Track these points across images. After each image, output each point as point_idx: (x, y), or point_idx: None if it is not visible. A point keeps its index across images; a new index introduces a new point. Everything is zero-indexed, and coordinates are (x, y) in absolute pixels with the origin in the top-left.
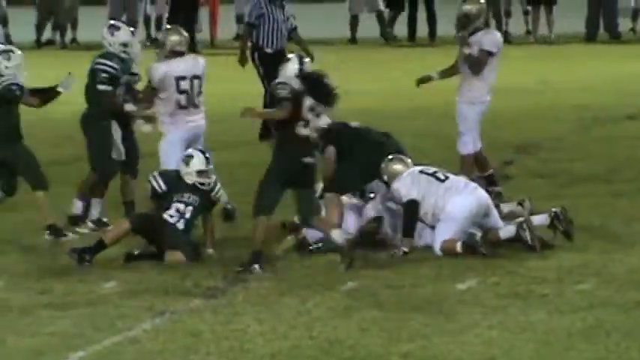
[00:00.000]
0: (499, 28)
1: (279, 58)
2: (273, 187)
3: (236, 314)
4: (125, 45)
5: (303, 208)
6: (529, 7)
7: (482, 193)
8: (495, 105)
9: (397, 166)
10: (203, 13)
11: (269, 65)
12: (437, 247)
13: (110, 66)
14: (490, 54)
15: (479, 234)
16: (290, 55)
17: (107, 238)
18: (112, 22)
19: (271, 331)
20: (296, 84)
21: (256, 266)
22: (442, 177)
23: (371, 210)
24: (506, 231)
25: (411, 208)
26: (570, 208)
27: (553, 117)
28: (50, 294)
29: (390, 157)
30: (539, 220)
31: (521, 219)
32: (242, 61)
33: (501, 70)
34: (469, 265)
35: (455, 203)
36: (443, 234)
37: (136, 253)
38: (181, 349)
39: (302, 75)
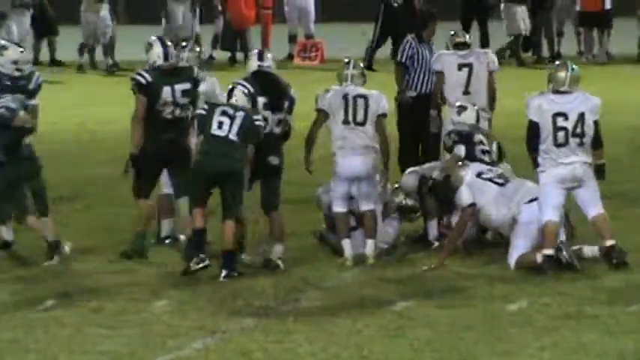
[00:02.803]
0: (551, 48)
1: (421, 102)
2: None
3: (287, 333)
4: (16, 62)
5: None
6: (581, 28)
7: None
8: None
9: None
10: (255, 32)
11: (407, 108)
12: (512, 263)
13: None
14: (438, 72)
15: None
16: (253, 51)
17: None
18: (0, 42)
19: (322, 350)
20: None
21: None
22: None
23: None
24: (590, 250)
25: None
26: (624, 230)
27: (606, 139)
28: (102, 312)
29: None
30: (591, 251)
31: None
32: (403, 101)
33: None
34: (520, 285)
35: (526, 211)
36: (516, 253)
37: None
38: None
39: (256, 73)
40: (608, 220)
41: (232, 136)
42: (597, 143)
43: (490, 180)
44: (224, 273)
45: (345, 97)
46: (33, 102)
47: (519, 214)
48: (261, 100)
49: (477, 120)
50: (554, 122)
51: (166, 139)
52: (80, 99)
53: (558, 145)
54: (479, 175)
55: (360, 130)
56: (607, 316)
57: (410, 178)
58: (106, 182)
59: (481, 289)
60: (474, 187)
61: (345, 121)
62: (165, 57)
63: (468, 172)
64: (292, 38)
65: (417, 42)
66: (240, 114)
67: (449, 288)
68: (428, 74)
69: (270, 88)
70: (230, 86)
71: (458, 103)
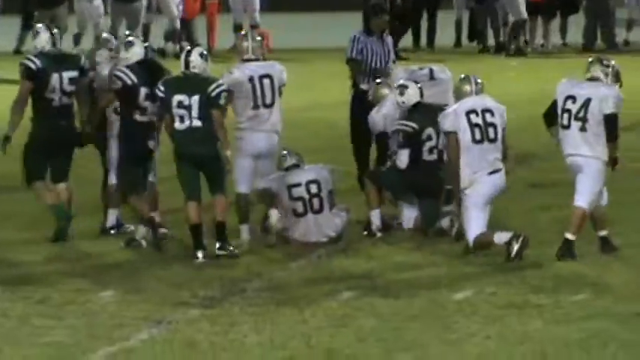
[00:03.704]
0: (497, 38)
1: None
2: None
3: (233, 324)
4: None
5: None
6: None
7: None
8: None
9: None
10: (201, 22)
11: (360, 102)
12: (470, 239)
13: None
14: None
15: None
16: (131, 39)
17: None
18: None
19: (269, 341)
20: (132, 74)
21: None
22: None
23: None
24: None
25: None
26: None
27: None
28: (47, 303)
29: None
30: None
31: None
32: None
33: (497, 81)
34: (466, 274)
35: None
36: (474, 227)
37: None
38: (178, 359)
39: (142, 61)
40: (583, 219)
41: (195, 123)
42: (610, 136)
43: (472, 128)
44: (218, 245)
45: (252, 80)
46: None
47: (473, 185)
48: (143, 91)
49: (421, 95)
50: (564, 104)
51: (56, 125)
52: None
53: (563, 127)
54: (469, 113)
55: (269, 110)
56: (552, 305)
57: (378, 120)
58: None
59: (426, 279)
60: (457, 123)
61: (255, 106)
62: (53, 44)
63: (462, 104)
64: (238, 28)
65: (366, 36)
66: (195, 99)
67: (394, 277)
68: (378, 68)
69: (154, 79)
70: (187, 49)
71: (400, 82)
